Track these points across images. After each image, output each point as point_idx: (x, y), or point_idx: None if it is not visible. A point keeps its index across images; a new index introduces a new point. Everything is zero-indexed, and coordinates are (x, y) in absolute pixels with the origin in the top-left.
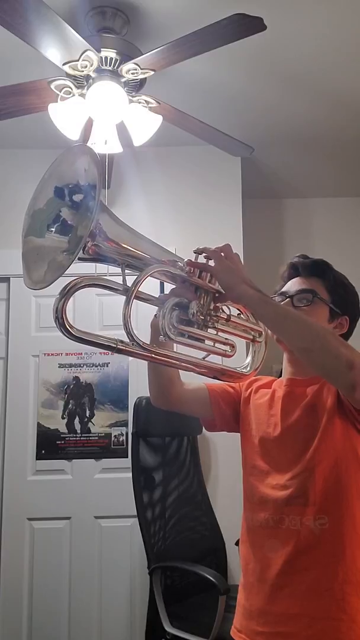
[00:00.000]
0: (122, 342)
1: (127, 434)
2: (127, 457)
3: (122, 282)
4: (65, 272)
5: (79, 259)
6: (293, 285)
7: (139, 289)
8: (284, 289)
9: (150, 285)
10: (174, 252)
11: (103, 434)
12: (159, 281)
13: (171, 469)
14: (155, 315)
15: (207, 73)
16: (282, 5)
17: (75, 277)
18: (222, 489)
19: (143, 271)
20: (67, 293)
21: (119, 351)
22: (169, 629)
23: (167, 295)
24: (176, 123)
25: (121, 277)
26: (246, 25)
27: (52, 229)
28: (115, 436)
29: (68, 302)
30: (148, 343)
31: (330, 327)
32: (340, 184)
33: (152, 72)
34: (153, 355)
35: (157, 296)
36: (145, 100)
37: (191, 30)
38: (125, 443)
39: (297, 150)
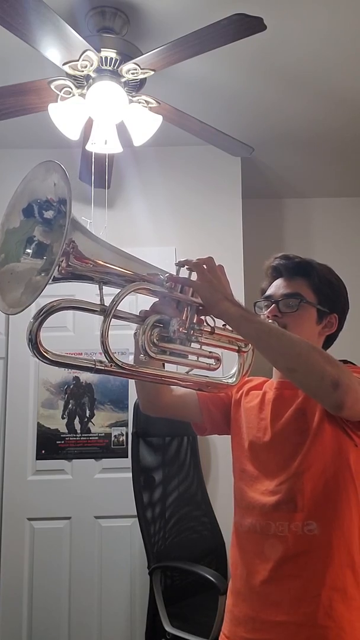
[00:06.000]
0: (100, 362)
1: (127, 434)
2: (127, 457)
3: (99, 302)
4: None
5: (54, 278)
6: (277, 288)
7: (118, 308)
8: (268, 293)
9: (130, 300)
10: (154, 265)
11: (103, 434)
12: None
13: (171, 469)
14: (135, 333)
15: (207, 73)
16: (282, 5)
17: (51, 300)
18: (222, 489)
19: (120, 290)
20: (42, 316)
21: (98, 371)
22: (169, 629)
23: (147, 312)
24: (176, 123)
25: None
26: (246, 25)
27: (29, 251)
28: (115, 436)
29: (42, 326)
30: (128, 362)
31: (320, 328)
32: (340, 184)
33: (152, 72)
34: (134, 374)
35: (138, 313)
36: (145, 100)
37: (191, 30)
38: (125, 443)
39: (297, 150)
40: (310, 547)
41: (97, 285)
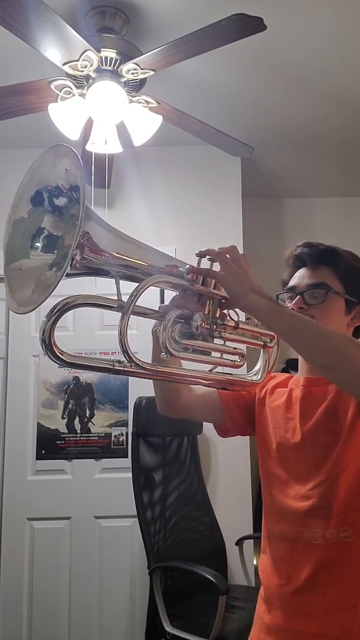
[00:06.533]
0: (119, 362)
1: (127, 433)
2: (127, 457)
3: (116, 297)
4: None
5: (67, 274)
6: (302, 278)
7: (136, 303)
8: (292, 284)
9: (149, 295)
10: (173, 256)
11: (103, 434)
12: (158, 289)
13: (171, 468)
14: (155, 329)
15: (207, 73)
16: (282, 5)
17: (65, 297)
18: (222, 489)
19: (139, 284)
20: (55, 314)
21: (117, 372)
22: (169, 629)
23: (167, 307)
24: (176, 123)
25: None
26: (246, 25)
27: (38, 244)
28: (115, 436)
29: (56, 325)
30: (148, 362)
31: (348, 319)
32: (340, 183)
33: (152, 72)
34: (155, 374)
35: (157, 307)
36: (145, 100)
37: (191, 30)
38: (125, 443)
39: (297, 150)
40: (346, 555)
41: (114, 280)
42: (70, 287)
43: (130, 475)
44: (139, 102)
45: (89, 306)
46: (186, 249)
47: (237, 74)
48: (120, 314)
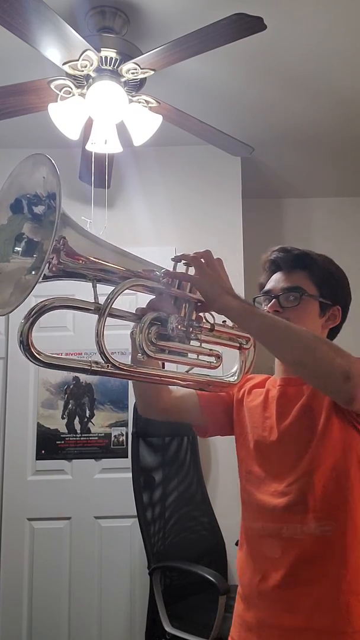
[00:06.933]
0: (96, 363)
1: (127, 434)
2: (127, 457)
3: (93, 300)
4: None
5: (46, 277)
6: (277, 282)
7: (113, 306)
8: (268, 287)
9: (125, 298)
10: (150, 261)
11: (103, 434)
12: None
13: (171, 469)
14: (132, 332)
15: (207, 73)
16: (282, 5)
17: (43, 299)
18: (222, 489)
19: (115, 288)
20: (32, 317)
21: (94, 373)
22: (169, 629)
23: (144, 310)
24: (176, 123)
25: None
26: (246, 25)
27: (18, 249)
28: (115, 436)
29: (34, 327)
30: (125, 362)
31: (323, 321)
32: (340, 184)
33: (152, 72)
34: (132, 375)
35: (134, 310)
36: (145, 100)
37: (191, 30)
38: (125, 443)
39: (297, 150)
40: (326, 549)
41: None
42: (69, 289)
43: (130, 475)
44: (139, 102)
45: (67, 308)
46: (186, 249)
47: (237, 74)
48: (97, 316)
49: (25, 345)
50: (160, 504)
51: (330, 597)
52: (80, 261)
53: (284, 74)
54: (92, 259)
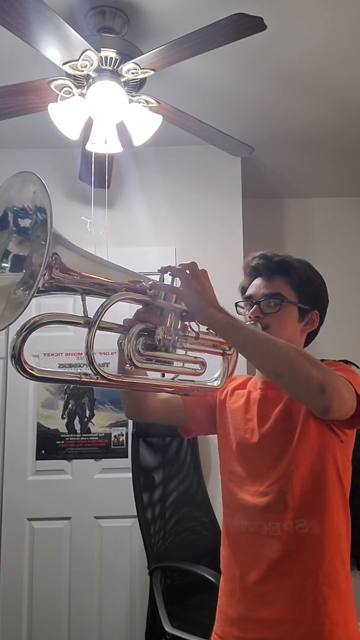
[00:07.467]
0: (86, 374)
1: (127, 434)
2: (127, 457)
3: (82, 313)
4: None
5: (38, 291)
6: (258, 288)
7: (102, 319)
8: (250, 293)
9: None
10: (137, 272)
11: (103, 434)
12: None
13: (171, 469)
14: (120, 342)
15: (207, 73)
16: (282, 5)
17: (34, 316)
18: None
19: (105, 301)
20: (24, 332)
21: (83, 384)
22: (169, 629)
23: (131, 321)
24: (176, 123)
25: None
26: (246, 25)
27: (6, 265)
28: (115, 436)
29: (26, 341)
30: (113, 373)
31: (301, 326)
32: (340, 184)
33: (152, 72)
34: (120, 384)
35: (122, 322)
36: (145, 100)
37: (191, 30)
38: (125, 443)
39: (297, 150)
40: (303, 545)
41: (80, 297)
42: (63, 300)
43: (130, 475)
44: (139, 102)
45: (57, 324)
46: (186, 249)
47: (237, 74)
48: (87, 329)
49: (17, 359)
50: (160, 504)
51: (306, 590)
52: (71, 276)
53: (284, 74)
54: (83, 273)
